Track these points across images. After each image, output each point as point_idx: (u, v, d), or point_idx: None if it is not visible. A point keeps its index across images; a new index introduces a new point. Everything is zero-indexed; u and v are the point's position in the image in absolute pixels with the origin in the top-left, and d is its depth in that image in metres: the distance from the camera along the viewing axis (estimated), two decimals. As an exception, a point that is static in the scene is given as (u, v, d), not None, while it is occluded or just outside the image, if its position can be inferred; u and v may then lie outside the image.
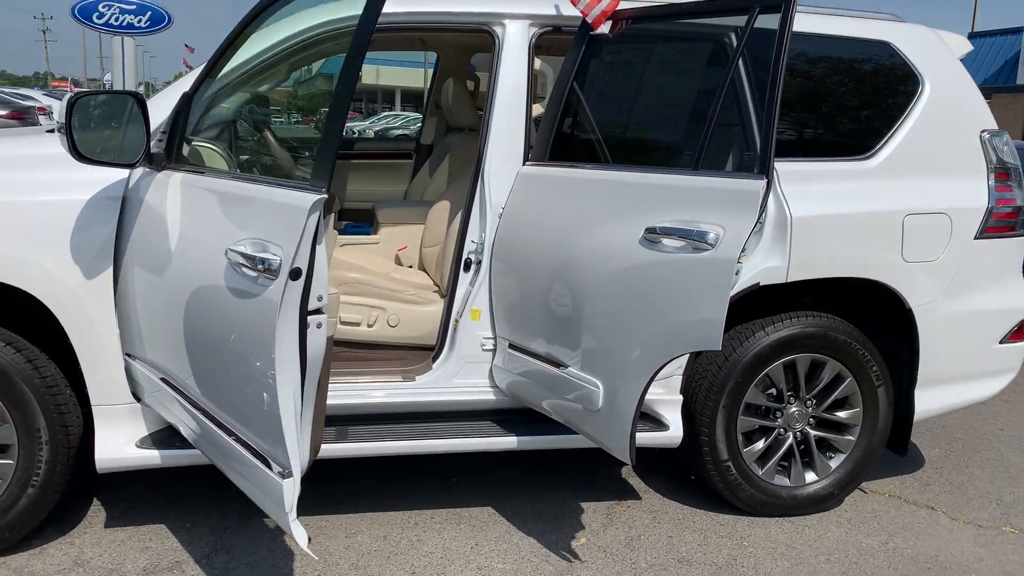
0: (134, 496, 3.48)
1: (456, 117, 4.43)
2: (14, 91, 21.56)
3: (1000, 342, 3.64)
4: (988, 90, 25.50)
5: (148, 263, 2.75)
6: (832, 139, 3.45)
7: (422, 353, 3.45)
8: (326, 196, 2.19)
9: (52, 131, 3.17)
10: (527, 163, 3.29)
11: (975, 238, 3.48)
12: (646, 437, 3.38)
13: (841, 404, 3.54)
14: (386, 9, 3.22)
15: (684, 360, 3.38)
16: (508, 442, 3.29)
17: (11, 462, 2.94)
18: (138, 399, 3.01)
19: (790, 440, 3.53)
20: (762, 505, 3.51)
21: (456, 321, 3.31)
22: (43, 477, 2.96)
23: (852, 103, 3.48)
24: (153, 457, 3.02)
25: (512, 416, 3.40)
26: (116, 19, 15.42)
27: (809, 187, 3.33)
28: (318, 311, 2.30)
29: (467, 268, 3.29)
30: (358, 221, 4.84)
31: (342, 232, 4.46)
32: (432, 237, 3.85)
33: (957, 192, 3.47)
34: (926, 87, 3.48)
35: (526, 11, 3.30)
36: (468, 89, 4.54)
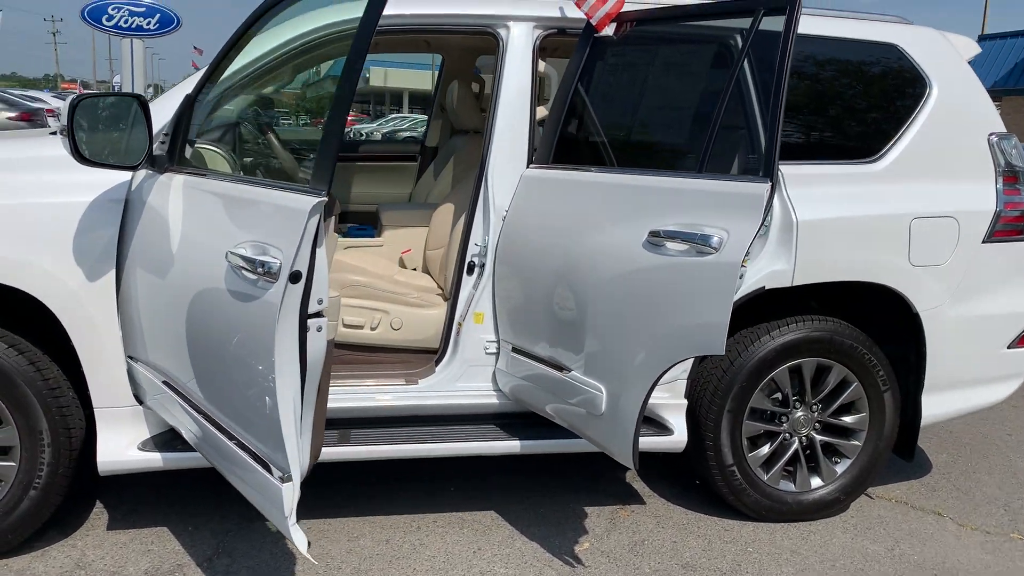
0: (136, 499, 3.48)
1: (461, 119, 4.42)
2: (23, 93, 21.67)
3: (1008, 347, 3.61)
4: (998, 93, 25.40)
5: (150, 265, 2.75)
6: (838, 142, 3.43)
7: (425, 356, 3.44)
8: (326, 199, 2.18)
9: (55, 133, 3.17)
10: (531, 166, 3.28)
11: (983, 242, 3.44)
12: (650, 442, 3.36)
13: (847, 409, 3.52)
14: (391, 11, 3.23)
15: (689, 364, 3.36)
16: (511, 446, 3.27)
17: (13, 464, 2.94)
18: (140, 401, 3.00)
19: (795, 445, 3.50)
20: (767, 510, 3.49)
21: (459, 324, 3.29)
22: (45, 479, 2.96)
23: (858, 106, 3.46)
24: (155, 460, 3.02)
25: (515, 420, 3.39)
26: (125, 21, 15.48)
27: (815, 190, 3.30)
28: (318, 314, 2.29)
29: (470, 271, 3.28)
30: (362, 223, 4.83)
31: (346, 234, 4.45)
32: (436, 240, 3.84)
33: (965, 195, 3.44)
34: (933, 89, 3.45)
35: (530, 13, 3.29)
36: (473, 91, 4.53)
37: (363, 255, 3.83)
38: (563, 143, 3.27)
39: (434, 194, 4.57)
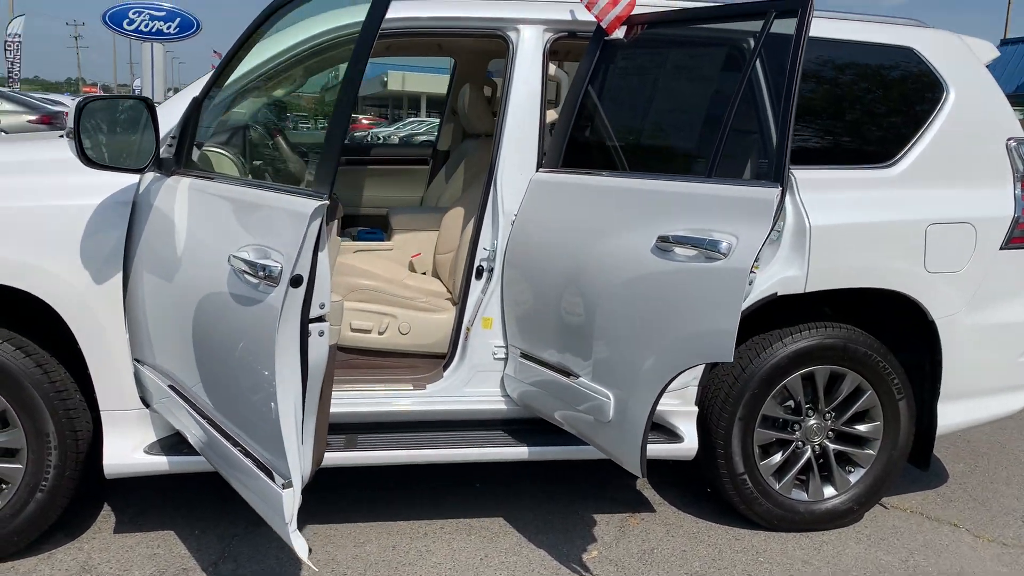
0: (143, 502, 3.47)
1: (472, 123, 4.40)
2: (44, 96, 21.89)
3: (1026, 355, 3.54)
4: (1019, 98, 25.08)
5: (156, 268, 2.74)
6: (853, 146, 3.38)
7: (433, 361, 3.41)
8: (327, 202, 2.16)
9: (63, 135, 3.18)
10: (540, 170, 3.25)
11: (1001, 248, 3.38)
12: (660, 449, 3.32)
13: (861, 417, 3.46)
14: (400, 14, 3.22)
15: (699, 371, 3.32)
16: (519, 452, 3.24)
17: (20, 466, 2.94)
18: (147, 405, 3.00)
19: (808, 453, 3.45)
20: (779, 520, 3.43)
21: (467, 329, 3.27)
22: (52, 482, 2.96)
23: (874, 110, 3.41)
24: (161, 463, 3.01)
25: (523, 426, 3.36)
26: (146, 25, 15.63)
27: (829, 195, 3.26)
28: (320, 319, 2.28)
29: (479, 276, 3.26)
30: (373, 227, 4.82)
31: (356, 238, 4.44)
32: (446, 244, 3.82)
33: (982, 201, 3.38)
34: (950, 94, 3.39)
35: (541, 16, 3.27)
36: (485, 95, 4.51)
37: (372, 259, 3.82)
38: (573, 147, 3.24)
39: (445, 198, 4.55)
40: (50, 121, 14.91)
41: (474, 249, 3.26)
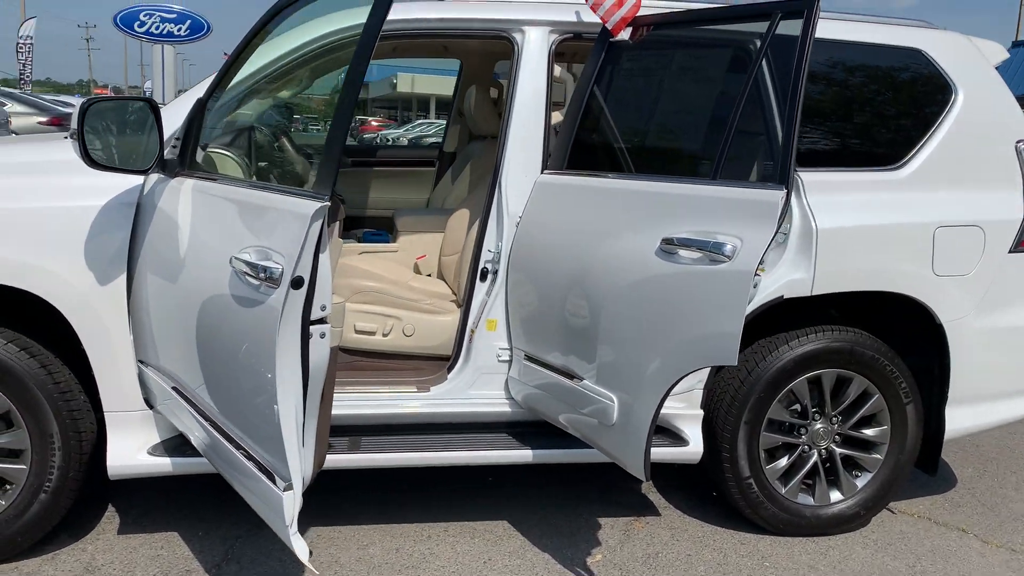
0: (147, 503, 3.47)
1: (478, 125, 4.39)
2: (54, 98, 22.01)
3: (1036, 360, 3.51)
4: (1032, 99, 24.90)
5: (159, 270, 2.74)
6: (860, 148, 3.35)
7: (438, 363, 3.41)
8: (328, 204, 2.15)
9: (68, 137, 3.18)
10: (545, 171, 3.24)
11: (1010, 252, 3.35)
12: (665, 452, 3.31)
13: (868, 421, 3.44)
14: (406, 15, 3.22)
15: (705, 374, 3.30)
16: (523, 455, 3.23)
17: (24, 467, 2.94)
18: (150, 406, 2.99)
19: (815, 458, 3.42)
20: (785, 524, 3.41)
21: (472, 331, 3.26)
22: (55, 483, 2.96)
23: (881, 112, 3.39)
24: (164, 464, 3.01)
25: (528, 429, 3.34)
26: (157, 27, 15.71)
27: (836, 198, 3.23)
28: (321, 321, 2.27)
29: (483, 278, 3.25)
30: (379, 229, 4.81)
31: (361, 240, 4.44)
32: (451, 246, 3.81)
33: (991, 204, 3.36)
34: (959, 95, 3.37)
35: (546, 18, 3.26)
36: (491, 97, 4.50)
37: (377, 261, 3.82)
38: (577, 148, 3.23)
39: (451, 199, 4.54)
40: (60, 123, 15.00)
41: (478, 251, 3.25)
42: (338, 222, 3.15)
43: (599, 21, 3.14)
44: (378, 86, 44.79)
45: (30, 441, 2.92)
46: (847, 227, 3.21)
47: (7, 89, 19.98)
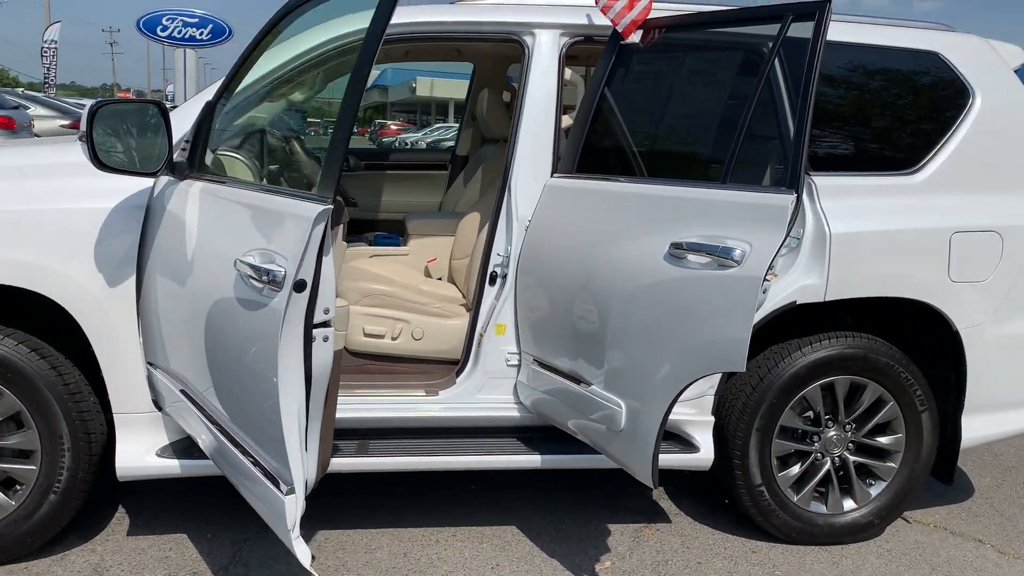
0: (157, 505, 3.48)
1: (490, 128, 4.38)
2: (77, 101, 22.26)
3: (1055, 368, 3.44)
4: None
5: (168, 272, 2.75)
6: (876, 153, 3.31)
7: (446, 367, 3.39)
8: (331, 207, 2.15)
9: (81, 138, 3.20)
10: (554, 175, 3.22)
11: (1028, 258, 3.30)
12: (676, 459, 3.28)
13: (882, 429, 3.39)
14: (416, 19, 3.21)
15: (716, 380, 3.26)
16: (532, 460, 3.21)
17: (34, 468, 2.96)
18: (159, 408, 3.00)
19: (828, 465, 3.38)
20: (797, 532, 3.37)
21: (481, 335, 3.24)
22: (65, 484, 2.97)
23: (897, 115, 3.35)
24: (173, 466, 3.02)
25: (537, 434, 3.32)
26: (179, 32, 15.85)
27: (850, 202, 3.19)
28: (325, 324, 2.26)
29: (492, 282, 3.23)
30: (390, 232, 4.81)
31: (372, 243, 4.44)
32: (461, 249, 3.80)
33: (1009, 209, 3.30)
34: (976, 99, 3.32)
35: (557, 20, 3.24)
36: (504, 100, 4.49)
37: (388, 264, 3.81)
38: (587, 152, 3.21)
39: (462, 203, 4.53)
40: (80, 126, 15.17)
41: (488, 255, 3.24)
42: (342, 225, 3.14)
43: (610, 24, 3.12)
44: (397, 90, 44.97)
45: (40, 442, 2.93)
46: (861, 232, 3.16)
47: (31, 93, 20.22)
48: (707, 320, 2.50)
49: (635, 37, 3.13)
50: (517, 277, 3.20)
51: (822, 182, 3.18)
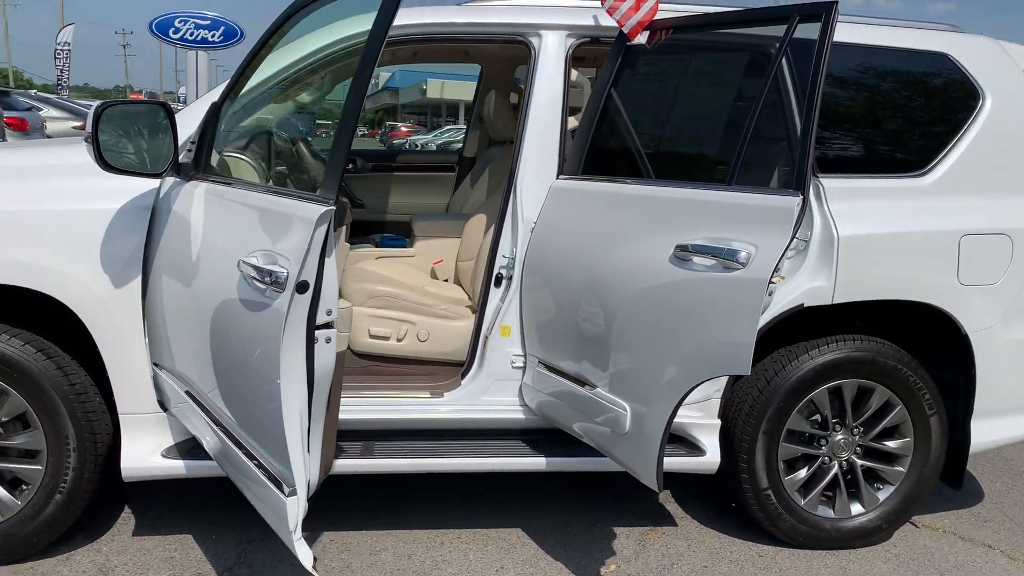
0: (163, 505, 3.49)
1: (497, 130, 4.38)
2: (89, 103, 22.36)
3: (1066, 372, 3.41)
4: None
5: (173, 273, 2.75)
6: (884, 155, 3.29)
7: (452, 369, 3.39)
8: (334, 208, 2.14)
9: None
10: (560, 177, 3.21)
11: (1039, 260, 3.27)
12: (681, 462, 3.26)
13: (890, 433, 3.36)
14: (422, 19, 3.21)
15: (722, 383, 3.25)
16: (537, 463, 3.20)
17: (40, 468, 2.97)
18: (164, 409, 3.00)
19: (835, 469, 3.35)
20: (804, 537, 3.34)
21: (486, 337, 3.24)
22: (70, 484, 2.98)
23: (906, 117, 3.32)
24: (178, 467, 3.02)
25: (542, 436, 3.31)
26: (191, 34, 15.92)
27: (858, 205, 3.17)
28: (327, 325, 2.26)
29: (498, 283, 3.22)
30: (398, 234, 4.81)
31: (379, 244, 4.44)
32: (467, 251, 3.79)
33: (1019, 211, 3.28)
34: (987, 101, 3.29)
35: (563, 22, 3.23)
36: (511, 102, 4.48)
37: (394, 265, 3.80)
38: (593, 154, 3.19)
39: (469, 204, 4.53)
40: (94, 127, 15.22)
41: (493, 256, 3.23)
42: (345, 226, 3.14)
43: (616, 25, 3.11)
44: (408, 92, 45.04)
45: (46, 442, 2.94)
46: (869, 234, 3.14)
47: (44, 94, 20.35)
48: (712, 323, 2.49)
49: (641, 38, 3.12)
50: (522, 279, 3.20)
51: (830, 184, 3.16)
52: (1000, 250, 3.24)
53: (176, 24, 15.86)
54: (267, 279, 2.21)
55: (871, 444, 3.36)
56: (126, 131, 2.70)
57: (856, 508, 3.38)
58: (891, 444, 3.36)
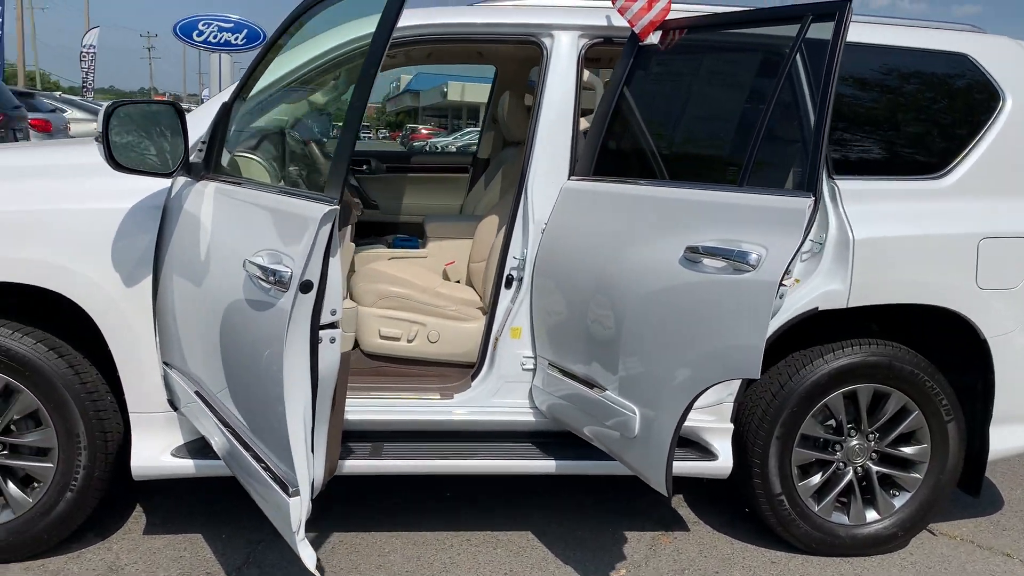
0: (174, 504, 3.50)
1: (511, 131, 4.36)
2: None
3: (1087, 378, 3.34)
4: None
5: (182, 272, 2.76)
6: (902, 156, 3.24)
7: (462, 370, 3.37)
8: (338, 207, 2.13)
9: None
10: (571, 178, 3.19)
11: (1060, 265, 3.20)
12: (693, 466, 3.22)
13: (907, 439, 3.31)
14: (435, 20, 3.20)
15: (735, 386, 3.21)
16: (547, 466, 3.18)
17: (51, 466, 2.98)
18: (174, 408, 3.01)
19: (850, 475, 3.31)
20: (818, 543, 3.30)
21: (496, 339, 3.22)
22: (81, 482, 2.99)
23: (924, 118, 3.27)
24: (188, 466, 3.02)
25: (552, 439, 3.29)
26: (214, 36, 16.05)
27: (874, 207, 3.13)
28: (332, 325, 2.25)
29: (508, 285, 3.21)
30: (411, 235, 4.81)
31: (392, 245, 4.44)
32: (479, 252, 3.78)
33: None
34: (1007, 101, 3.24)
35: (575, 22, 3.21)
36: (525, 103, 4.46)
37: (406, 266, 3.80)
38: (604, 154, 3.17)
39: (482, 206, 4.52)
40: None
41: (504, 258, 3.21)
42: (350, 226, 3.14)
43: (628, 25, 3.09)
44: (429, 95, 45.20)
45: (57, 440, 2.96)
46: (886, 237, 3.10)
47: (68, 96, 20.59)
48: (722, 325, 2.45)
49: (653, 39, 3.09)
50: (533, 280, 3.18)
51: (846, 186, 3.12)
52: (1020, 254, 3.18)
53: (200, 27, 16.00)
54: (271, 278, 2.20)
55: (887, 450, 3.31)
56: (137, 131, 2.70)
57: (871, 515, 3.33)
58: (907, 450, 3.31)
